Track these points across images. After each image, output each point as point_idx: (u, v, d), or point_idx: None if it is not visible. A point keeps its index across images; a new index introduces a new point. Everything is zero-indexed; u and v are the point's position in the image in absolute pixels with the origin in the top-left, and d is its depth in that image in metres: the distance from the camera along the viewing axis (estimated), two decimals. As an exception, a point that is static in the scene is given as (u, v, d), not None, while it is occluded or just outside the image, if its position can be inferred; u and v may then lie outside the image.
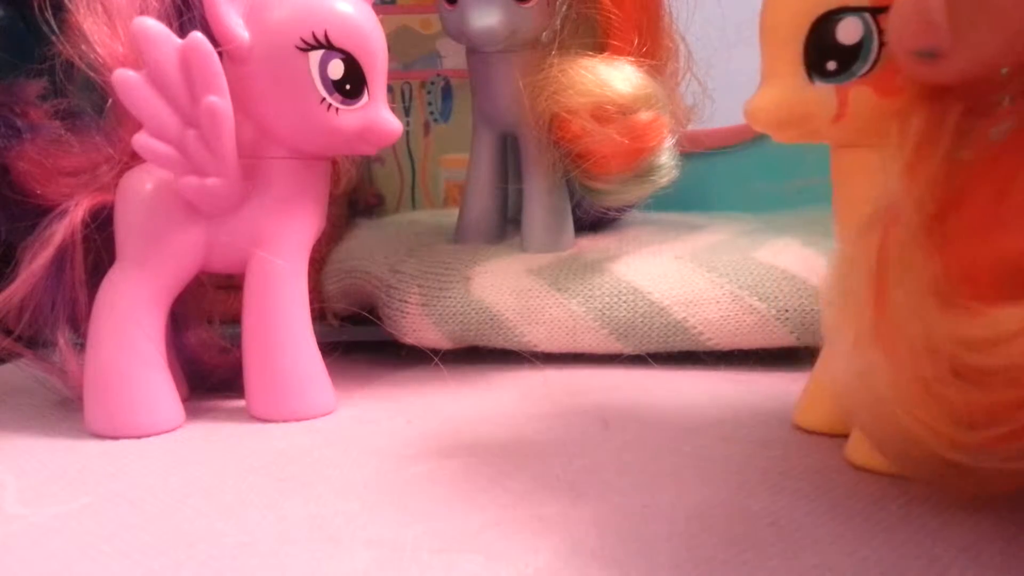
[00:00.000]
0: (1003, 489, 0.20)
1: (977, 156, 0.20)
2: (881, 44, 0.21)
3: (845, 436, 0.25)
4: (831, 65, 0.22)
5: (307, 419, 0.30)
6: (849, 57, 0.22)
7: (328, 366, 0.31)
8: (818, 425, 0.27)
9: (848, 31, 0.22)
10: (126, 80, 0.27)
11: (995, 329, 0.18)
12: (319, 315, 0.36)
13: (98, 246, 0.30)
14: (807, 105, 0.23)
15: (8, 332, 0.31)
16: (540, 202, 0.39)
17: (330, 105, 0.28)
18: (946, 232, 0.20)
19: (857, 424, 0.22)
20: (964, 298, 0.19)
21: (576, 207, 0.41)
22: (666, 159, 0.37)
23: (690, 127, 0.39)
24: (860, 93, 0.22)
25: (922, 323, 0.19)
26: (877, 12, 0.21)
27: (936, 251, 0.20)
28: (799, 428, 0.27)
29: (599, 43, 0.36)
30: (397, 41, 0.50)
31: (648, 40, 0.35)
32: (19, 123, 0.31)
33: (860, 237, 0.21)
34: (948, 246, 0.20)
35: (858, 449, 0.24)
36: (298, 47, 0.28)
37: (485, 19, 0.35)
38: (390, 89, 0.42)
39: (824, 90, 0.22)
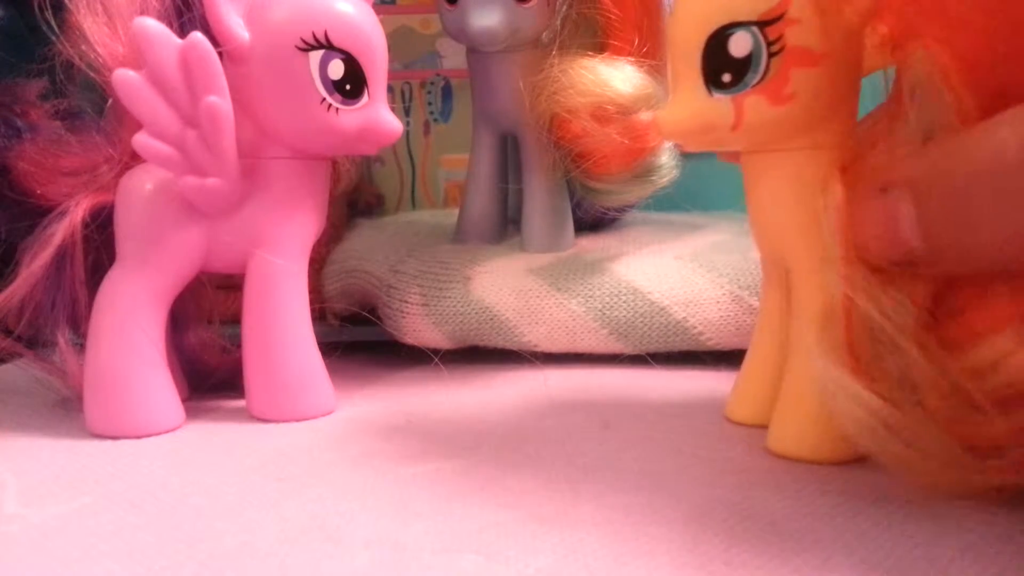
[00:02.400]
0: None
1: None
2: (770, 55, 0.23)
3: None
4: (726, 77, 0.23)
5: (307, 419, 0.30)
6: (742, 69, 0.23)
7: (328, 366, 0.31)
8: (745, 418, 0.28)
9: (739, 45, 0.23)
10: (126, 80, 0.27)
11: (992, 353, 0.20)
12: (319, 315, 0.36)
13: (98, 246, 0.30)
14: (709, 116, 0.24)
15: (8, 332, 0.31)
16: (540, 202, 0.39)
17: (330, 105, 0.28)
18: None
19: (880, 458, 0.22)
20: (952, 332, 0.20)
21: (576, 207, 0.41)
22: (666, 159, 0.37)
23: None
24: (754, 102, 0.23)
25: (907, 362, 0.20)
26: (765, 25, 0.23)
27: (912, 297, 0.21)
28: (729, 421, 0.29)
29: (599, 43, 0.36)
30: (397, 41, 0.50)
31: (648, 40, 0.35)
32: (19, 123, 0.31)
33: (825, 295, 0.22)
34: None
35: (780, 440, 0.25)
36: (298, 47, 0.28)
37: (485, 19, 0.35)
38: (390, 89, 0.42)
39: (722, 101, 0.24)
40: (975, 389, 0.20)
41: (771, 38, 0.23)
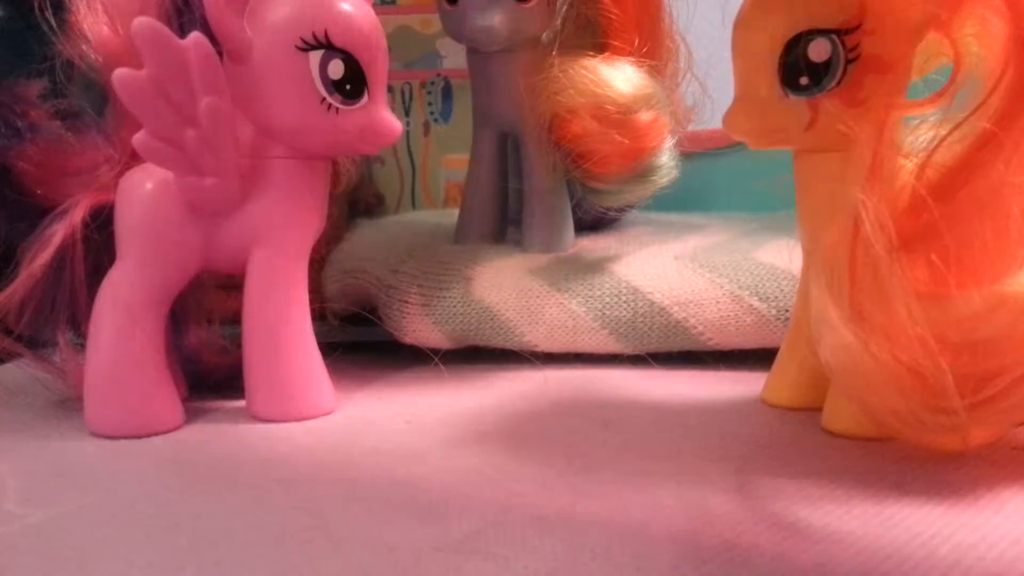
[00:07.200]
0: (972, 444, 0.23)
1: (929, 168, 0.22)
2: (847, 61, 0.24)
3: (810, 409, 0.28)
4: (803, 80, 0.25)
5: (307, 419, 0.30)
6: (819, 73, 0.24)
7: (328, 366, 0.31)
8: (782, 401, 0.30)
9: (818, 50, 0.24)
10: (126, 80, 0.27)
11: (969, 309, 0.21)
12: (319, 315, 0.36)
13: (98, 246, 0.30)
14: (782, 116, 0.25)
15: (8, 332, 0.31)
16: (540, 202, 0.39)
17: (330, 105, 0.28)
18: (909, 232, 0.22)
19: (843, 391, 0.24)
20: (931, 286, 0.22)
21: (576, 207, 0.41)
22: (666, 159, 0.37)
23: (690, 127, 0.39)
24: (830, 105, 0.25)
25: (892, 310, 0.21)
26: (844, 33, 0.24)
27: (900, 248, 0.22)
28: (766, 403, 0.30)
29: (599, 43, 0.36)
30: (397, 41, 0.50)
31: (648, 40, 0.36)
32: (19, 123, 0.31)
33: (836, 237, 0.23)
34: (911, 244, 0.22)
35: (833, 418, 0.27)
36: (298, 47, 0.28)
37: (486, 19, 0.35)
38: (390, 89, 0.42)
39: (797, 103, 0.25)
40: (936, 338, 0.21)
41: (849, 46, 0.24)
